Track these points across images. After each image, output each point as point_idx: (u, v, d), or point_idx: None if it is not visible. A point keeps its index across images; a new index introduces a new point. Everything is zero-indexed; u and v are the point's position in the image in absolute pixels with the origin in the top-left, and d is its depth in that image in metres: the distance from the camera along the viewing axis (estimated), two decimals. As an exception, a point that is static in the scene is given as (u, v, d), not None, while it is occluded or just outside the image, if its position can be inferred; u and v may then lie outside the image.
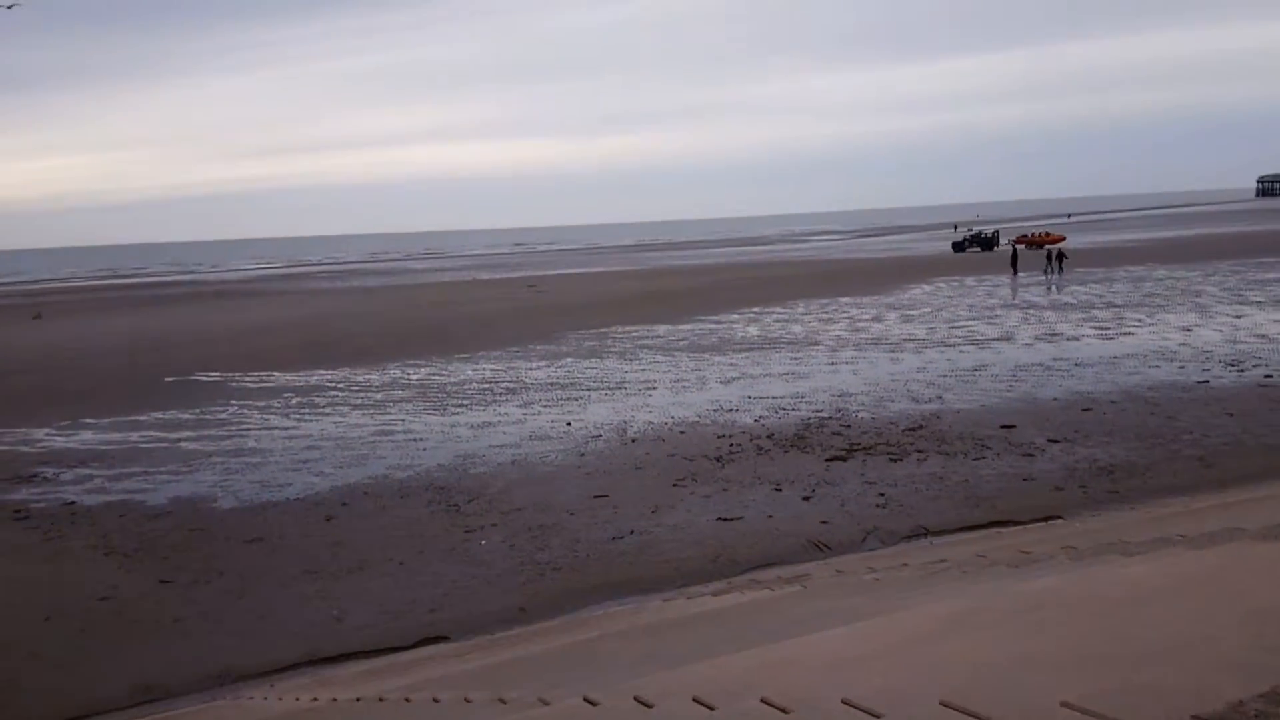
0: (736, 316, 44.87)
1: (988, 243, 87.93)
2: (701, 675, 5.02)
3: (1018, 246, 71.31)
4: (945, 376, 26.64)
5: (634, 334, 40.69)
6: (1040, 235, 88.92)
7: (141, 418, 27.11)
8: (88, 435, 25.17)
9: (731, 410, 23.71)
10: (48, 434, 25.52)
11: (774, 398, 24.92)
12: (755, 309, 47.40)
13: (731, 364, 31.08)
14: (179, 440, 23.98)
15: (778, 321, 42.19)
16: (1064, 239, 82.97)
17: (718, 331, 39.84)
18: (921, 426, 20.71)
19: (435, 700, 6.85)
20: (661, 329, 41.61)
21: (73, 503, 18.67)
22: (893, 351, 31.81)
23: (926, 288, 54.58)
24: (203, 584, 14.16)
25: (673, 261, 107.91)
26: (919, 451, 18.68)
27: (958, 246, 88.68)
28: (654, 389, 27.55)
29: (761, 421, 22.19)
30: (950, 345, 32.43)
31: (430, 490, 18.38)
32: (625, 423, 23.15)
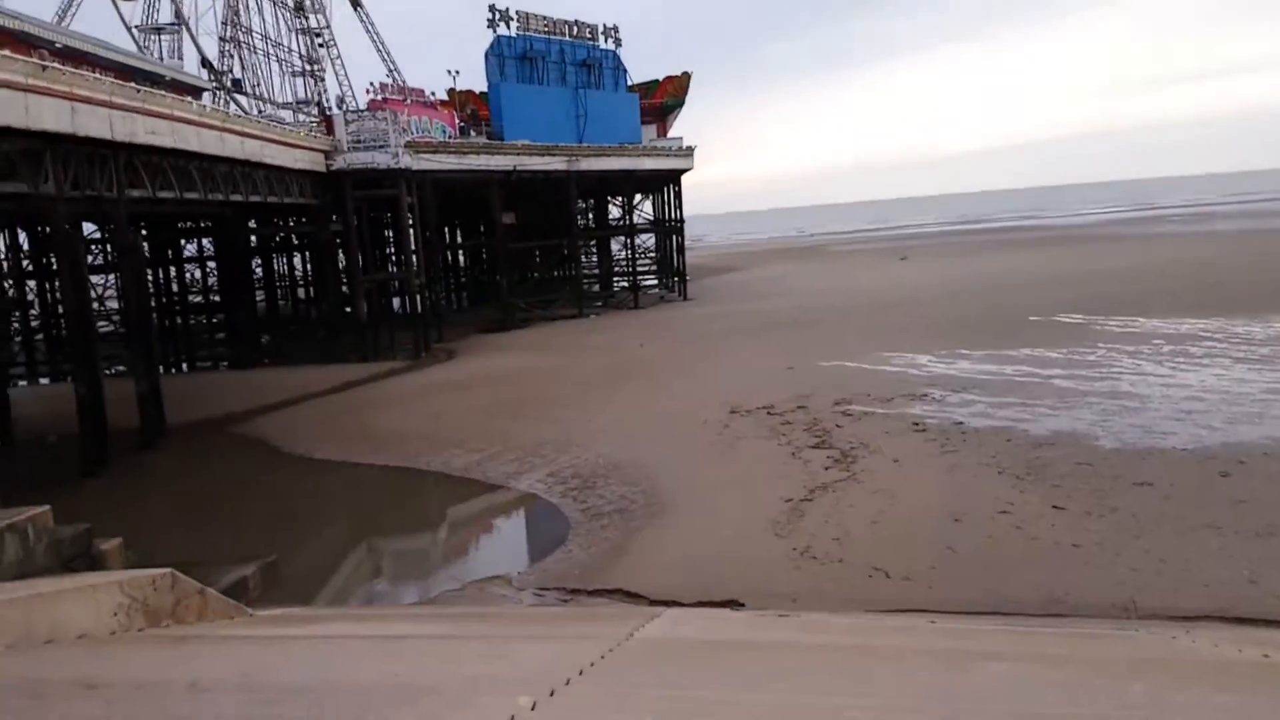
0: None
1: None
2: None
3: None
4: None
5: None
6: None
7: (1012, 353, 28.53)
8: (965, 364, 27.48)
9: None
10: (930, 360, 28.56)
11: None
12: None
13: None
14: (1050, 377, 24.62)
15: None
16: None
17: None
18: None
19: None
20: None
21: (961, 423, 20.61)
22: None
23: None
24: (1096, 517, 14.33)
25: None
26: None
27: None
28: None
29: None
30: None
31: (1355, 463, 15.60)
32: None
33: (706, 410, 24.09)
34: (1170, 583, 11.91)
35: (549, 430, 24.15)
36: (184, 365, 44.55)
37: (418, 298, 42.37)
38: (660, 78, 66.26)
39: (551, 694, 5.71)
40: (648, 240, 65.85)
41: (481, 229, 59.37)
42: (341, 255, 43.24)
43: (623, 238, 65.70)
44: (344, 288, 42.83)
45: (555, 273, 65.41)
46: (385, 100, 45.33)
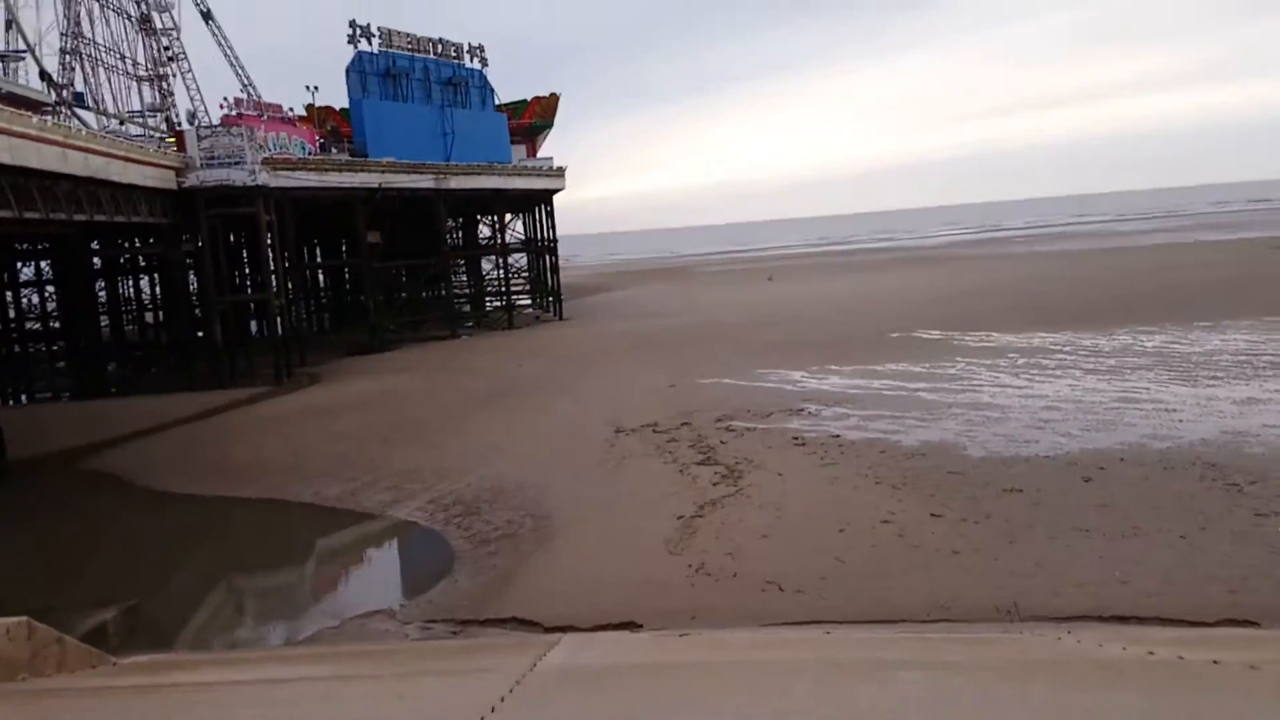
0: None
1: None
2: None
3: None
4: None
5: None
6: None
7: (878, 368, 29.50)
8: (836, 380, 28.23)
9: None
10: (803, 376, 29.22)
11: None
12: None
13: None
14: (916, 390, 25.53)
15: None
16: None
17: None
18: None
19: None
20: None
21: (838, 436, 21.10)
22: None
23: None
24: (971, 523, 14.83)
25: None
26: None
27: None
28: None
29: None
30: None
31: (1199, 465, 16.71)
32: None
33: (591, 430, 23.89)
34: (1047, 585, 12.40)
35: (426, 456, 23.44)
36: (21, 397, 41.27)
37: (278, 320, 40.58)
38: (529, 98, 66.04)
39: None
40: (520, 260, 65.28)
41: (344, 249, 57.59)
42: (194, 276, 41.04)
43: (495, 257, 64.96)
44: (197, 311, 40.65)
45: (424, 293, 64.08)
46: (240, 115, 43.42)
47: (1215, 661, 8.37)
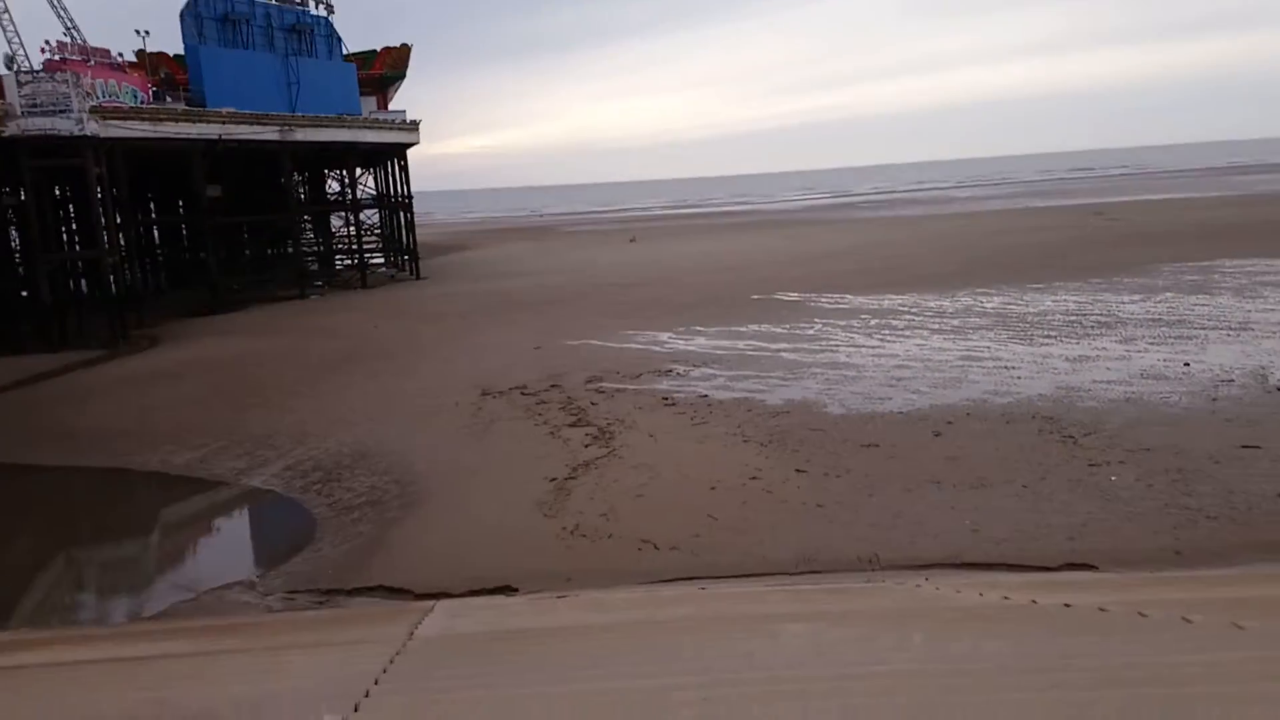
0: (1394, 253, 36.50)
1: None
2: None
3: None
4: None
5: (1250, 268, 35.23)
6: None
7: (741, 329, 30.13)
8: (702, 340, 28.65)
9: None
10: (670, 337, 29.53)
11: None
12: None
13: (1401, 309, 25.42)
14: (778, 351, 26.23)
15: None
16: None
17: (1369, 270, 32.82)
18: None
19: (1187, 620, 6.64)
20: (1286, 265, 35.43)
21: (706, 396, 21.46)
22: None
23: None
24: (834, 478, 15.41)
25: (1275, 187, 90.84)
26: None
27: None
28: (1293, 333, 23.62)
29: None
30: None
31: (1038, 419, 17.86)
32: (1262, 369, 20.22)
33: (456, 393, 23.44)
34: (906, 535, 13.02)
35: (281, 420, 22.49)
36: None
37: (110, 279, 37.87)
38: (378, 48, 63.50)
39: (356, 709, 5.19)
40: (372, 218, 63.03)
41: (182, 204, 54.16)
42: (15, 233, 37.78)
43: (346, 214, 62.48)
44: (20, 269, 37.49)
45: (270, 251, 61.11)
46: (64, 61, 39.91)
47: (1066, 605, 9.01)
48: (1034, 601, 8.06)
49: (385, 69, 62.66)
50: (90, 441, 21.73)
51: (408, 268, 58.17)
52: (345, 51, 57.15)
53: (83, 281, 40.94)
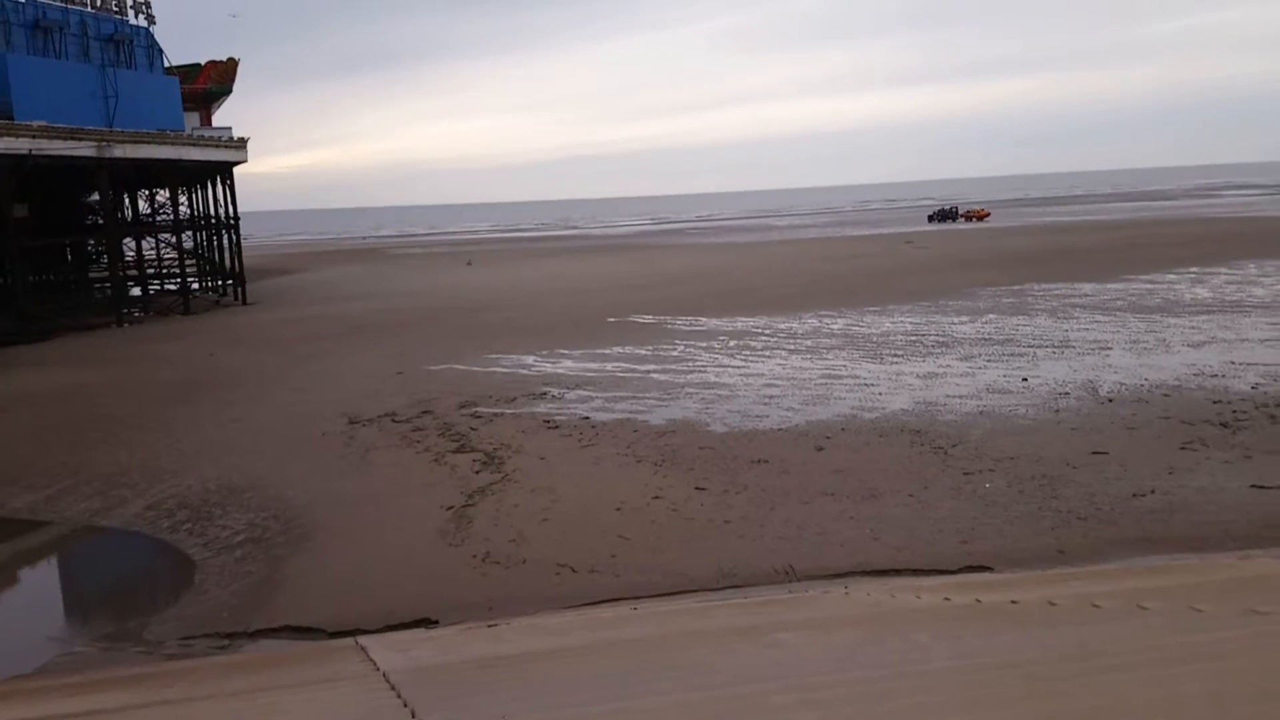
0: (1174, 276, 41.13)
1: None
2: None
3: None
4: None
5: (1056, 291, 38.75)
6: None
7: (605, 351, 30.42)
8: (569, 363, 28.73)
9: (1217, 375, 22.00)
10: (535, 360, 29.44)
11: (1270, 365, 22.74)
12: (1193, 269, 43.07)
13: (1192, 327, 28.66)
14: (648, 371, 26.66)
15: (1230, 283, 38.04)
16: None
17: (1157, 292, 36.82)
18: None
19: (1142, 606, 7.35)
20: (1087, 287, 39.22)
21: (588, 418, 21.55)
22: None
23: None
24: (734, 493, 15.85)
25: (1070, 217, 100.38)
26: None
27: None
28: (1108, 349, 26.19)
29: (1262, 389, 20.39)
30: None
31: (906, 432, 19.00)
32: (1091, 382, 22.32)
33: (320, 422, 22.49)
34: (813, 546, 13.58)
35: (130, 456, 20.90)
36: None
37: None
38: (203, 62, 60.31)
39: None
40: (186, 240, 59.22)
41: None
42: None
43: (163, 235, 58.52)
44: None
45: (73, 276, 56.49)
46: None
47: (977, 600, 9.68)
48: (978, 600, 8.64)
49: (210, 83, 59.58)
50: (-96, 485, 19.44)
51: (231, 293, 55.20)
52: (167, 64, 53.93)
53: None
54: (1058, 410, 20.01)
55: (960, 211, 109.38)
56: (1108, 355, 25.33)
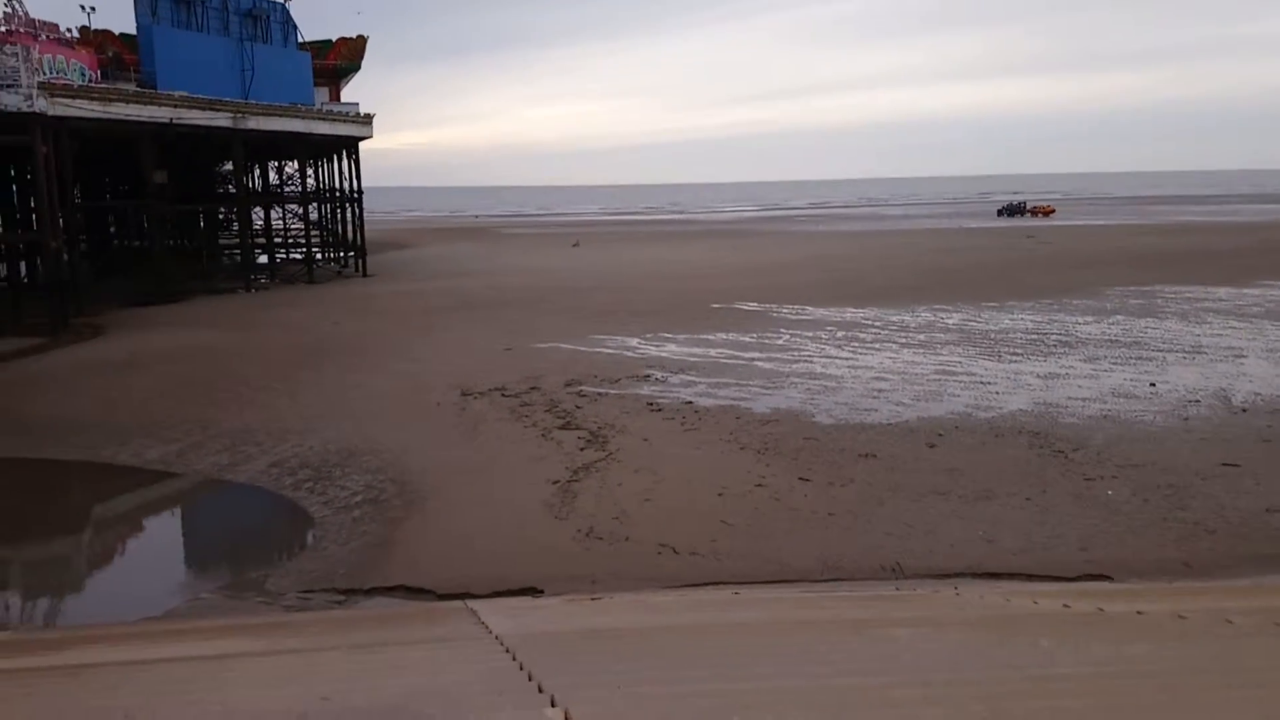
0: (1320, 285, 38.60)
1: None
2: None
3: None
4: None
5: (1188, 294, 36.87)
6: None
7: (709, 336, 30.36)
8: (673, 347, 28.79)
9: (1366, 390, 20.64)
10: (639, 343, 29.59)
11: None
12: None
13: (1340, 338, 26.92)
14: (752, 359, 26.51)
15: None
16: None
17: (1302, 300, 34.67)
18: None
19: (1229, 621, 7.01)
20: (1222, 291, 37.21)
21: (691, 402, 21.58)
22: None
23: None
24: (839, 487, 15.66)
25: (1191, 217, 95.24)
26: None
27: None
28: (1243, 356, 24.85)
29: None
30: None
31: (1025, 434, 18.41)
32: (1224, 390, 21.21)
33: (435, 392, 23.14)
34: (922, 545, 13.31)
35: (256, 415, 21.90)
36: None
37: (53, 264, 36.36)
38: (334, 39, 62.29)
39: (553, 703, 5.16)
40: (311, 212, 61.55)
41: (123, 189, 52.29)
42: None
43: (289, 206, 61.01)
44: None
45: (205, 242, 59.31)
46: (11, 32, 38.22)
47: (1100, 609, 9.31)
48: (1101, 609, 8.33)
49: (340, 60, 61.49)
50: (55, 432, 20.82)
51: (353, 264, 57.10)
52: (301, 40, 55.93)
53: (21, 265, 39.32)
54: (1187, 418, 19.08)
55: (1028, 207, 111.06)
56: (1242, 363, 24.01)
